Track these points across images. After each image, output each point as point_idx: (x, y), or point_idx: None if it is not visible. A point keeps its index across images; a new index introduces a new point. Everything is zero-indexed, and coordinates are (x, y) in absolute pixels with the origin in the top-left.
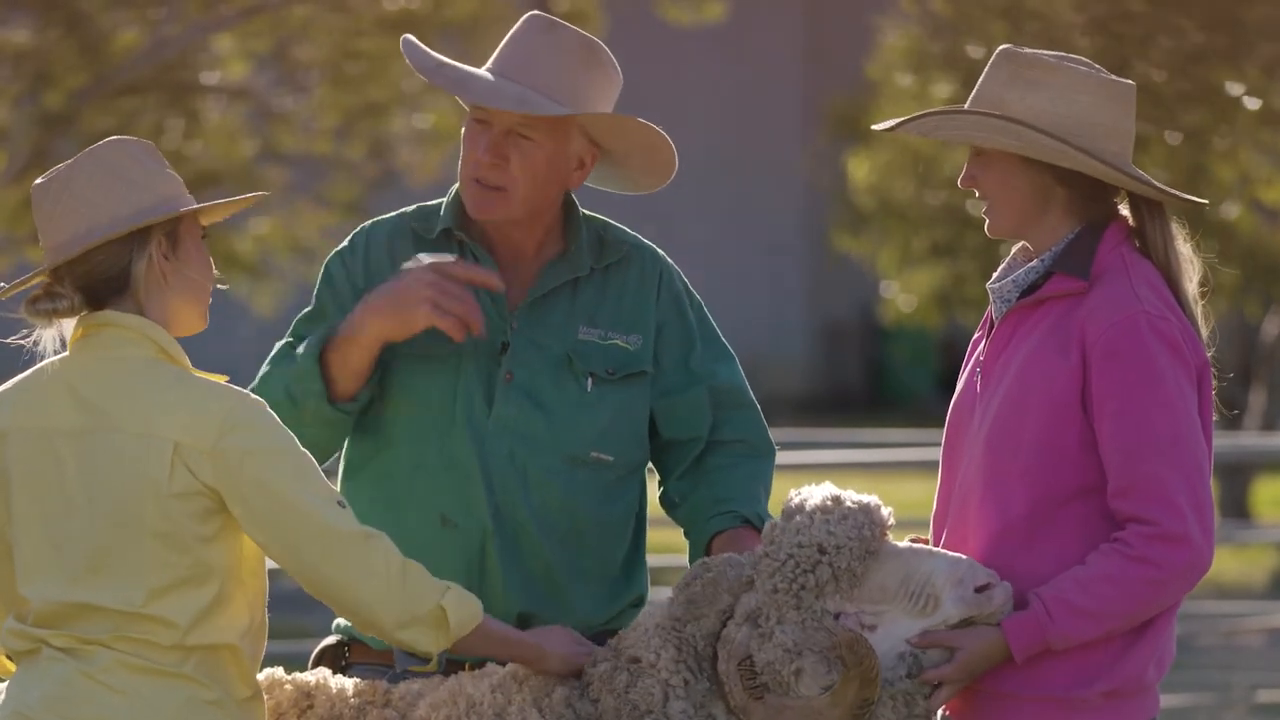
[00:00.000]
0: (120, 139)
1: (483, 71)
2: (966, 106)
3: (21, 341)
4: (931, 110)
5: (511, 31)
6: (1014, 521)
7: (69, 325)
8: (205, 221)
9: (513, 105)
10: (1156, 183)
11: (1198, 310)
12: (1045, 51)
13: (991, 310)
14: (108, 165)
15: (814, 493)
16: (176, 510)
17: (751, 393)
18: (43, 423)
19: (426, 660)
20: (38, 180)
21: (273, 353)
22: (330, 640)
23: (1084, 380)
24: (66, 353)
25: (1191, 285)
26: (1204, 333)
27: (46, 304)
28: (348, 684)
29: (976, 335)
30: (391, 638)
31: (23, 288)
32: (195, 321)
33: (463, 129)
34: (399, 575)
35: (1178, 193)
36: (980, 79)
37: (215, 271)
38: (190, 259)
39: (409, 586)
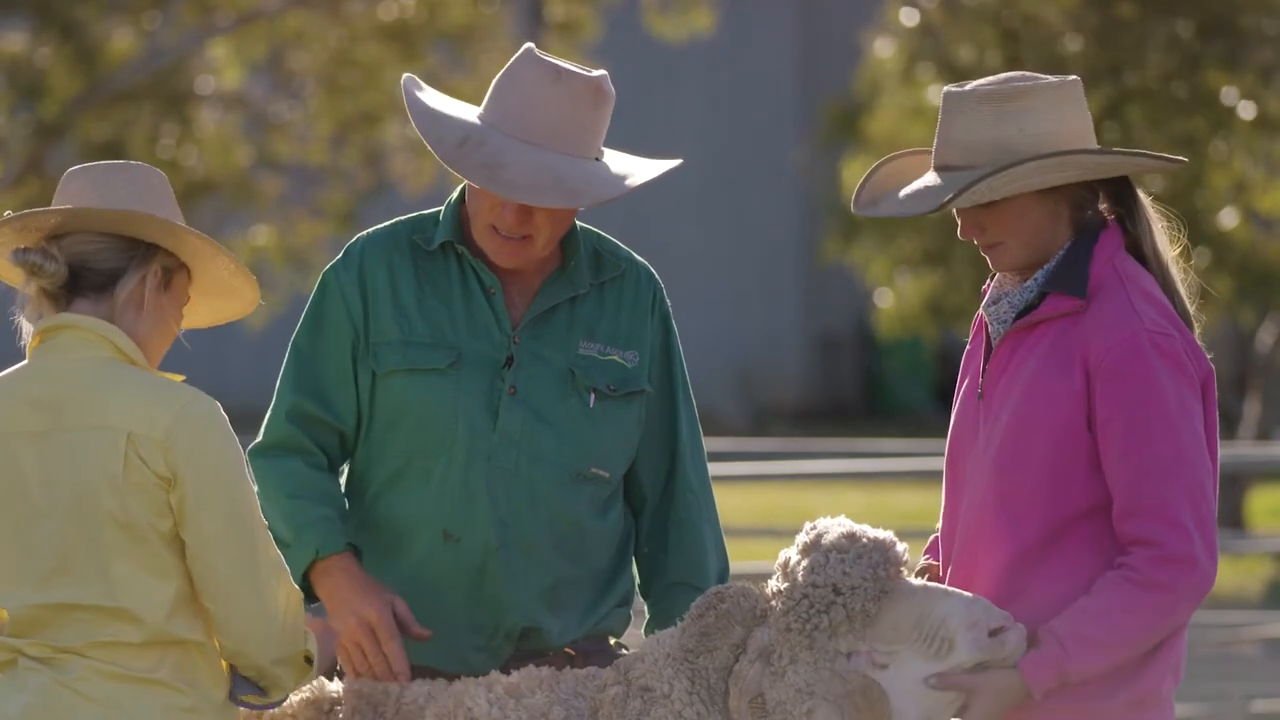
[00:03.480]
0: (156, 169)
1: (499, 132)
2: (964, 160)
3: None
4: (979, 176)
5: (514, 78)
6: (1028, 544)
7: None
8: (195, 270)
9: (557, 200)
10: (1153, 154)
11: (1184, 291)
12: (985, 81)
13: (988, 330)
14: (145, 180)
15: (830, 527)
16: (134, 502)
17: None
18: (2, 428)
19: (264, 694)
20: (75, 167)
21: (274, 405)
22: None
23: (1088, 400)
24: (26, 360)
25: (1176, 269)
26: (1195, 328)
27: (37, 257)
28: (362, 686)
29: (970, 347)
30: (257, 667)
31: (29, 218)
32: (149, 359)
33: None
34: (292, 613)
35: (1163, 155)
36: (958, 131)
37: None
38: (173, 303)
39: (293, 625)
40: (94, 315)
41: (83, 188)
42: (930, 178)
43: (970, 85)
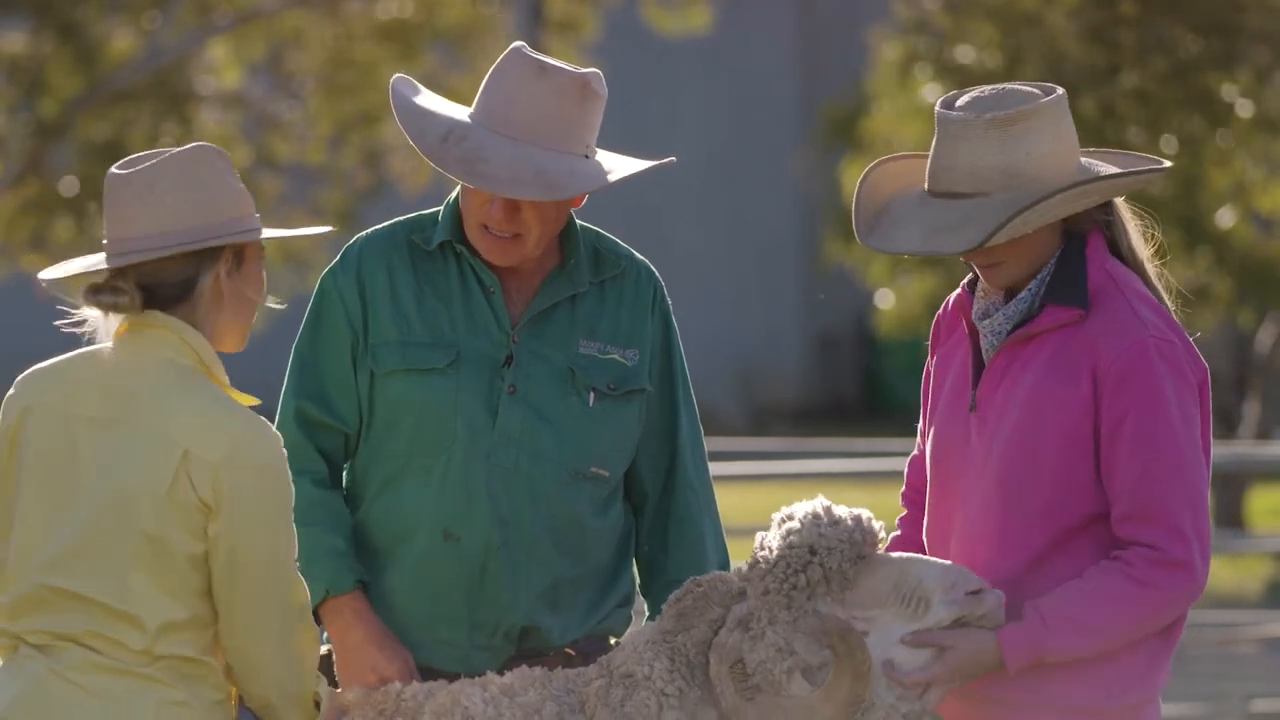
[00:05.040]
0: (204, 146)
1: (484, 128)
2: (972, 187)
3: (73, 329)
4: (1014, 213)
5: (501, 75)
6: (1035, 552)
7: (115, 318)
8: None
9: (537, 193)
10: (1153, 167)
11: (1161, 287)
12: (979, 100)
13: (979, 343)
14: (192, 175)
15: (805, 504)
16: (170, 518)
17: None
18: (68, 406)
19: None
20: (118, 170)
21: (280, 411)
22: (324, 649)
23: (1095, 407)
24: (109, 343)
25: (1150, 267)
26: (1169, 302)
27: (109, 297)
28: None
29: (938, 357)
30: (263, 701)
31: (86, 280)
32: (237, 341)
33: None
34: (308, 655)
35: (1157, 167)
36: (963, 157)
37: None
38: (250, 279)
39: (307, 666)
40: (178, 318)
41: (130, 200)
42: (938, 206)
43: (965, 105)
